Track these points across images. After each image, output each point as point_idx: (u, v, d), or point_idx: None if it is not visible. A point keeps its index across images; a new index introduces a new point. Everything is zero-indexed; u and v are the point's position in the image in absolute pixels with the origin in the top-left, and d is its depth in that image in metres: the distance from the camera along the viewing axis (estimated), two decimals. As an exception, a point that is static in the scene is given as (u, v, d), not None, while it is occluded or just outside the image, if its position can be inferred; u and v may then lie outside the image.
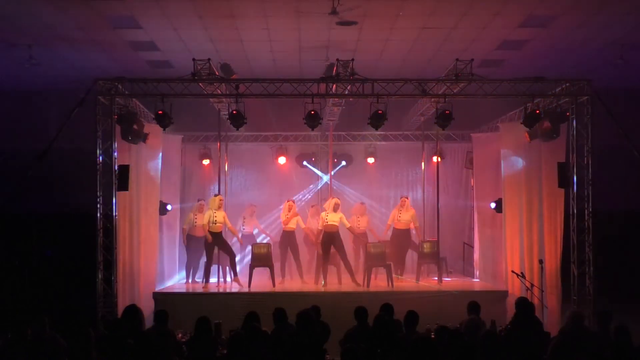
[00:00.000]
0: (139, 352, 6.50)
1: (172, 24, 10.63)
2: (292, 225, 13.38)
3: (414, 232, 14.13)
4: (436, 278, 13.43)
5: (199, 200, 13.74)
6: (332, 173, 15.55)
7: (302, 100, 11.33)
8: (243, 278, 12.63)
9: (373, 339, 7.14)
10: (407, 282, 13.22)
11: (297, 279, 13.58)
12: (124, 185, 11.27)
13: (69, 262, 13.04)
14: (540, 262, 11.34)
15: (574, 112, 11.48)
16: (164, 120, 11.25)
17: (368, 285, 12.47)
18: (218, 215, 12.71)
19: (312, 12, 9.91)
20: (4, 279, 13.10)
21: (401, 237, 13.78)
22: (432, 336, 7.80)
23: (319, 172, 15.85)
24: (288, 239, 13.40)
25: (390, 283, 12.48)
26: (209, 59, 10.93)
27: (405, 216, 13.69)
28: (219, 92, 11.91)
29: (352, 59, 10.86)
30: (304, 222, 13.72)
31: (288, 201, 13.60)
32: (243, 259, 14.37)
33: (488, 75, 11.59)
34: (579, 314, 7.70)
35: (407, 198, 13.99)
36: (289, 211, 13.34)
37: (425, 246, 13.54)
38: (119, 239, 11.39)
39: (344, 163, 15.81)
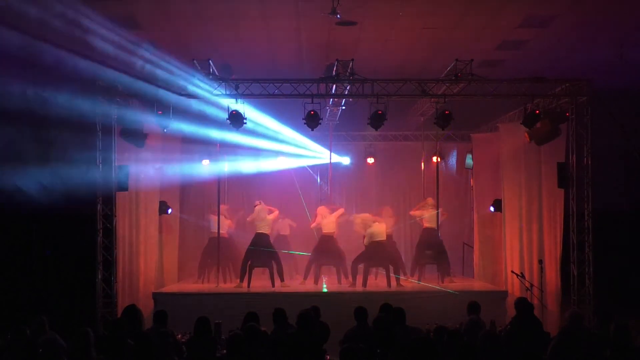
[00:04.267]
0: (139, 352, 6.49)
1: (171, 24, 10.62)
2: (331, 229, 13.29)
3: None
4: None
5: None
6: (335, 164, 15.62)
7: (302, 101, 11.34)
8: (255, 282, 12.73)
9: (372, 339, 7.14)
10: (407, 282, 13.22)
11: (297, 279, 13.59)
12: (123, 185, 11.28)
13: (69, 262, 13.03)
14: (540, 262, 11.35)
15: (573, 112, 11.49)
16: (164, 121, 11.26)
17: (365, 285, 12.49)
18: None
19: (312, 12, 9.91)
20: (3, 279, 13.09)
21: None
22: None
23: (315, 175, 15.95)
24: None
25: (389, 283, 12.50)
26: (208, 59, 10.93)
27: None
28: (219, 92, 11.91)
29: (352, 59, 10.86)
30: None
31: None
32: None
33: (488, 75, 11.60)
34: (579, 314, 7.69)
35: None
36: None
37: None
38: (118, 239, 11.40)
39: (347, 159, 15.85)
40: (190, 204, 15.28)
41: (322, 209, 13.59)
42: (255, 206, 13.13)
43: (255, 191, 15.86)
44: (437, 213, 13.57)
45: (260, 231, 12.70)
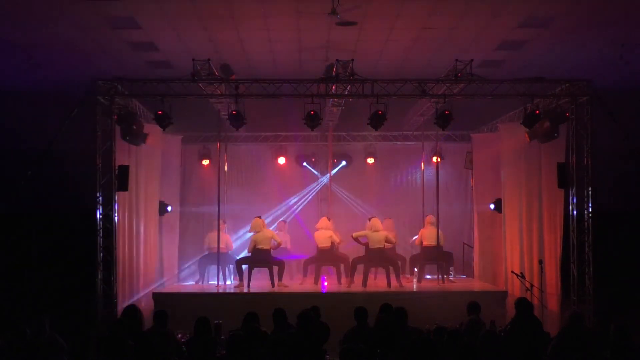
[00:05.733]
0: (139, 353, 6.49)
1: (171, 24, 10.62)
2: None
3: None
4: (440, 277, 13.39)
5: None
6: (333, 173, 15.58)
7: (302, 101, 11.34)
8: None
9: (372, 339, 7.14)
10: (407, 282, 13.22)
11: (297, 279, 13.59)
12: (123, 185, 11.29)
13: (69, 262, 13.01)
14: (540, 262, 11.34)
15: (573, 112, 11.49)
16: (163, 121, 11.27)
17: (365, 285, 12.49)
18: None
19: (312, 12, 9.91)
20: (3, 279, 13.08)
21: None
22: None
23: (317, 173, 15.91)
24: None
25: (389, 283, 12.49)
26: (208, 59, 10.93)
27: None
28: (219, 92, 11.91)
29: (352, 59, 10.86)
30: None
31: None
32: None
33: (488, 76, 11.59)
34: (578, 315, 7.69)
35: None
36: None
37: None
38: (118, 239, 11.40)
39: (344, 163, 15.83)
40: (191, 204, 15.27)
41: (321, 232, 13.32)
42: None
43: (255, 191, 15.88)
44: (437, 231, 13.46)
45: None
